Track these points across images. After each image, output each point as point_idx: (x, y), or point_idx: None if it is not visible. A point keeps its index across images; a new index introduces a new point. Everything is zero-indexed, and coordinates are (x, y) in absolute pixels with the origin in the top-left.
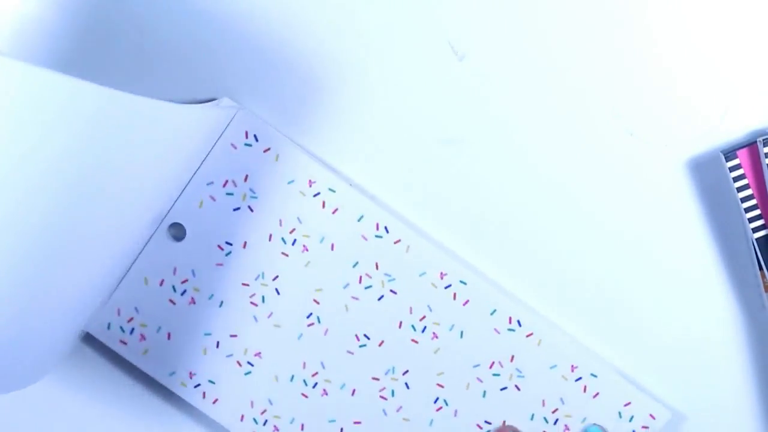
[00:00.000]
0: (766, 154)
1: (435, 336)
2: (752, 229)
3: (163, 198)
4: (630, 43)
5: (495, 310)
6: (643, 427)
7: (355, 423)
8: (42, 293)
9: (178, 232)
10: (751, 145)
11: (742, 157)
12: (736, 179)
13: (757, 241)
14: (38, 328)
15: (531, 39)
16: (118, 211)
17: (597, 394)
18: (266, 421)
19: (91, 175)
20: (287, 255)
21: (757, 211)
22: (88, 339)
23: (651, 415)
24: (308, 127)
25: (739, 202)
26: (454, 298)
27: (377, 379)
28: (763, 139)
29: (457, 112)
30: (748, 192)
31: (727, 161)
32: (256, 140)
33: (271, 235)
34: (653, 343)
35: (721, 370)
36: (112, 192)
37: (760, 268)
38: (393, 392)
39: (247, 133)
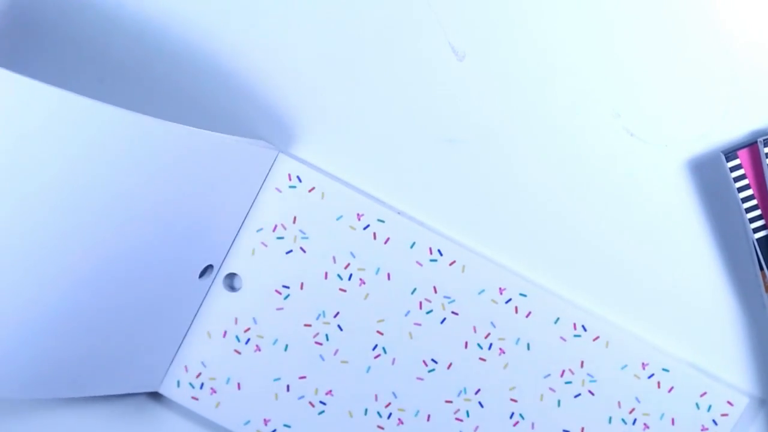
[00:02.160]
0: (766, 154)
1: (502, 351)
2: (753, 229)
3: (215, 247)
4: (630, 42)
5: (558, 318)
6: (723, 414)
7: None
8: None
9: (234, 282)
10: (751, 145)
11: (743, 157)
12: (736, 179)
13: (757, 241)
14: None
15: (531, 39)
16: (174, 259)
17: (671, 388)
18: None
19: (149, 214)
20: (345, 290)
21: (758, 211)
22: (160, 399)
23: (729, 402)
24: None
25: (740, 202)
26: (516, 311)
27: (450, 402)
28: (764, 139)
29: (457, 112)
30: (749, 192)
31: (727, 161)
32: (300, 181)
33: (326, 273)
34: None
35: (720, 371)
36: (169, 236)
37: (761, 268)
38: (468, 413)
39: (290, 176)
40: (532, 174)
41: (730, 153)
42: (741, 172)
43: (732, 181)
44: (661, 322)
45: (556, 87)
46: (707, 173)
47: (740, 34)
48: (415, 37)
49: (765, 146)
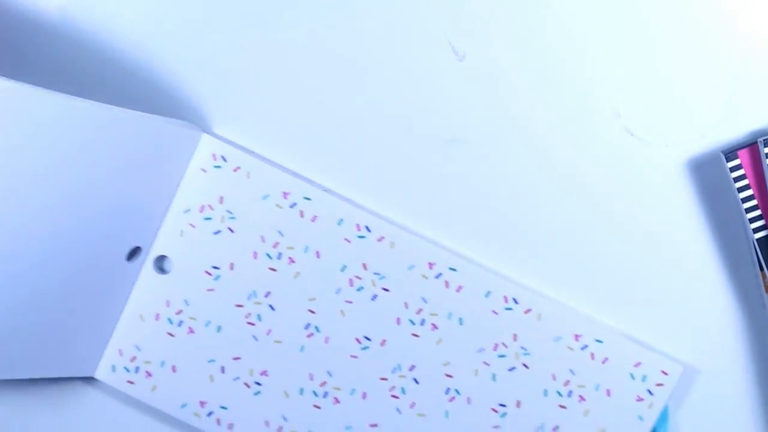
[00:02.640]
0: (766, 154)
1: (435, 327)
2: (753, 230)
3: (143, 229)
4: (630, 42)
5: (489, 292)
6: (658, 384)
7: (372, 426)
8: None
9: (164, 264)
10: (751, 145)
11: (743, 157)
12: (736, 179)
13: (757, 242)
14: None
15: (531, 39)
16: (101, 241)
17: (606, 359)
18: None
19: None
20: (275, 270)
21: (758, 212)
22: (96, 384)
23: (663, 372)
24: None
25: (740, 202)
26: (447, 286)
27: (385, 379)
28: (764, 139)
29: (456, 112)
30: (749, 192)
31: (727, 161)
32: (225, 161)
33: (255, 253)
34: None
35: (721, 371)
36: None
37: (761, 268)
38: (403, 390)
39: (214, 156)
40: (531, 174)
41: (730, 153)
42: (741, 172)
43: (732, 181)
44: (657, 320)
45: (556, 87)
46: (707, 173)
47: (740, 34)
48: (415, 37)
49: (765, 146)
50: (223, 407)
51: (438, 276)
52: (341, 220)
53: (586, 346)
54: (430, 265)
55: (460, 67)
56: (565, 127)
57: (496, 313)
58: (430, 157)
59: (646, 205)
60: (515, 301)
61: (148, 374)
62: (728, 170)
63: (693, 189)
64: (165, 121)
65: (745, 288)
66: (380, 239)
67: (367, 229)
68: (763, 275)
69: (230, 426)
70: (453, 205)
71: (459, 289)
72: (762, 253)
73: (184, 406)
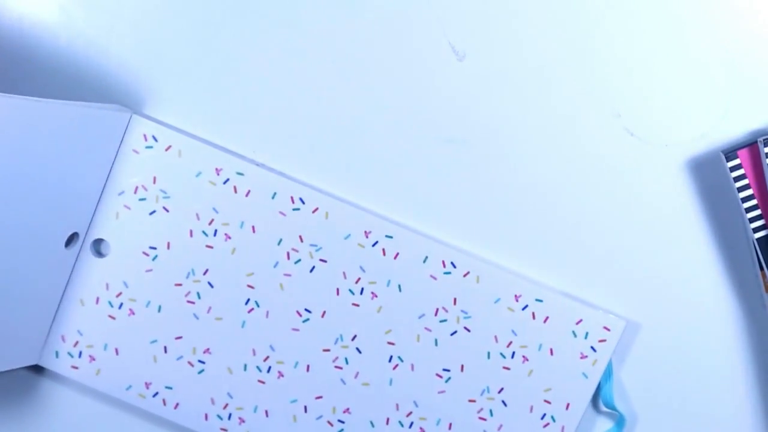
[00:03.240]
0: (766, 153)
1: (374, 295)
2: (753, 229)
3: (79, 214)
4: (630, 42)
5: (427, 257)
6: (600, 340)
7: (317, 398)
8: None
9: (101, 247)
10: (751, 144)
11: (743, 157)
12: (736, 179)
13: (757, 241)
14: None
15: (531, 39)
16: (37, 230)
17: (547, 318)
18: (230, 414)
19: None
20: (212, 247)
21: (758, 211)
22: (41, 371)
23: (605, 328)
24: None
25: (740, 202)
26: (384, 253)
27: (328, 350)
28: (764, 139)
29: (456, 112)
30: (749, 192)
31: (727, 161)
32: (156, 141)
33: (191, 231)
34: (648, 346)
35: (722, 370)
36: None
37: (761, 268)
38: (347, 360)
39: (145, 136)
40: (531, 173)
41: (730, 153)
42: (741, 172)
43: (732, 181)
44: (657, 318)
45: (556, 87)
46: (707, 173)
47: (740, 34)
48: (415, 37)
49: (765, 146)
50: (168, 387)
51: (375, 244)
52: (275, 193)
53: (526, 306)
54: (366, 233)
55: (460, 67)
56: (565, 127)
57: (434, 278)
58: (427, 155)
59: (647, 204)
60: (453, 264)
61: (92, 358)
62: (728, 170)
63: (693, 189)
64: (91, 107)
65: (745, 288)
66: (315, 210)
67: (302, 201)
68: (763, 275)
69: (176, 406)
70: (445, 197)
71: (396, 256)
72: (762, 253)
73: (129, 388)
